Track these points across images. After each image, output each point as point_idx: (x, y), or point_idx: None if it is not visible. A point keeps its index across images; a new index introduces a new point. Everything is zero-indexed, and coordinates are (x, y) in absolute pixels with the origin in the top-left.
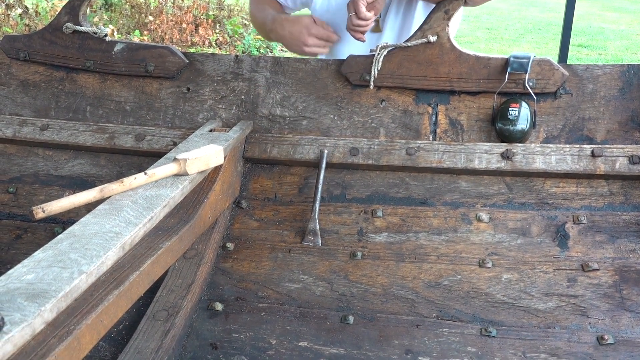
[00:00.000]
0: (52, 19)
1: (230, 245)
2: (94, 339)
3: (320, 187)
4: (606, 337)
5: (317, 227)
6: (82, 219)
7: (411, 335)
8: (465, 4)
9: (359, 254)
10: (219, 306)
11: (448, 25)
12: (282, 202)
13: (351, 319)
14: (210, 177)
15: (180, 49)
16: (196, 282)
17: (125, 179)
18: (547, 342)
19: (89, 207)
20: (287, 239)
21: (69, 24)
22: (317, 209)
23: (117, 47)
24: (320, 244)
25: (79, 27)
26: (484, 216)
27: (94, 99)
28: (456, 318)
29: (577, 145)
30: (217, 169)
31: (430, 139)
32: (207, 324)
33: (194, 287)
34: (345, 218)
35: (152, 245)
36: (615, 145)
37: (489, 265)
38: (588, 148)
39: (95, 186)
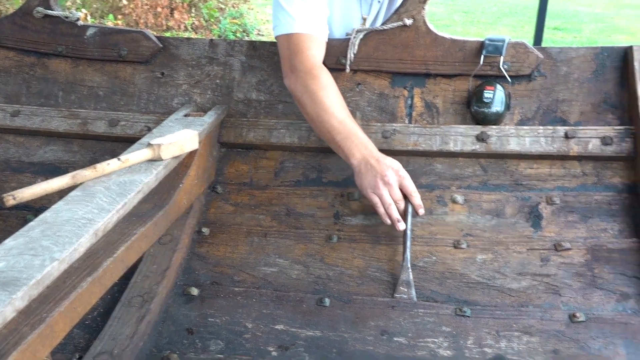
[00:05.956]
0: (23, 3)
1: (205, 230)
2: (67, 326)
3: (409, 233)
4: (578, 314)
5: (411, 277)
6: (54, 206)
7: (387, 316)
8: None
9: (335, 237)
10: (194, 291)
11: (424, 9)
12: (257, 187)
13: (327, 301)
14: (185, 162)
15: (155, 33)
16: (171, 267)
17: (98, 165)
18: (520, 321)
19: (62, 193)
20: (263, 223)
21: (40, 8)
22: (408, 257)
23: (90, 32)
24: (415, 299)
25: (50, 11)
26: (459, 198)
27: (66, 85)
28: (431, 299)
29: (551, 127)
30: (192, 154)
31: (406, 122)
32: (182, 309)
33: (169, 273)
34: (321, 201)
35: (126, 231)
36: (588, 127)
37: (464, 246)
38: (561, 130)
39: (68, 172)
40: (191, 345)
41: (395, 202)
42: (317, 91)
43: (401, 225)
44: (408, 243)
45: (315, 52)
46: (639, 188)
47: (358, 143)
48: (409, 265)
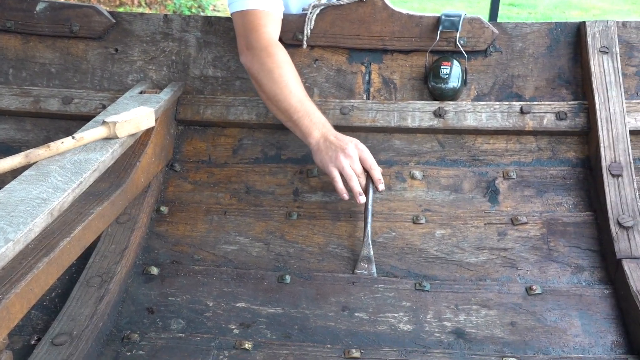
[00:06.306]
0: None
1: (164, 209)
2: (24, 307)
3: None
4: (534, 287)
5: (371, 253)
6: (7, 186)
7: (347, 292)
8: None
9: (295, 214)
10: (154, 270)
11: None
12: (216, 164)
13: (288, 278)
14: (142, 140)
15: (108, 8)
16: (130, 247)
17: (52, 144)
18: (478, 294)
19: (15, 173)
20: (222, 201)
21: None
22: (369, 233)
23: (40, 7)
24: (375, 274)
25: None
26: (418, 174)
27: (16, 61)
28: (391, 274)
29: (507, 103)
30: (148, 132)
31: (364, 98)
32: (142, 288)
33: (128, 252)
34: (281, 179)
35: (83, 210)
36: (543, 102)
37: (423, 221)
38: (517, 105)
39: (21, 152)
40: (152, 324)
41: (357, 176)
42: (274, 69)
43: (362, 198)
44: (369, 219)
45: (270, 29)
46: (592, 162)
47: (316, 122)
48: (370, 241)
